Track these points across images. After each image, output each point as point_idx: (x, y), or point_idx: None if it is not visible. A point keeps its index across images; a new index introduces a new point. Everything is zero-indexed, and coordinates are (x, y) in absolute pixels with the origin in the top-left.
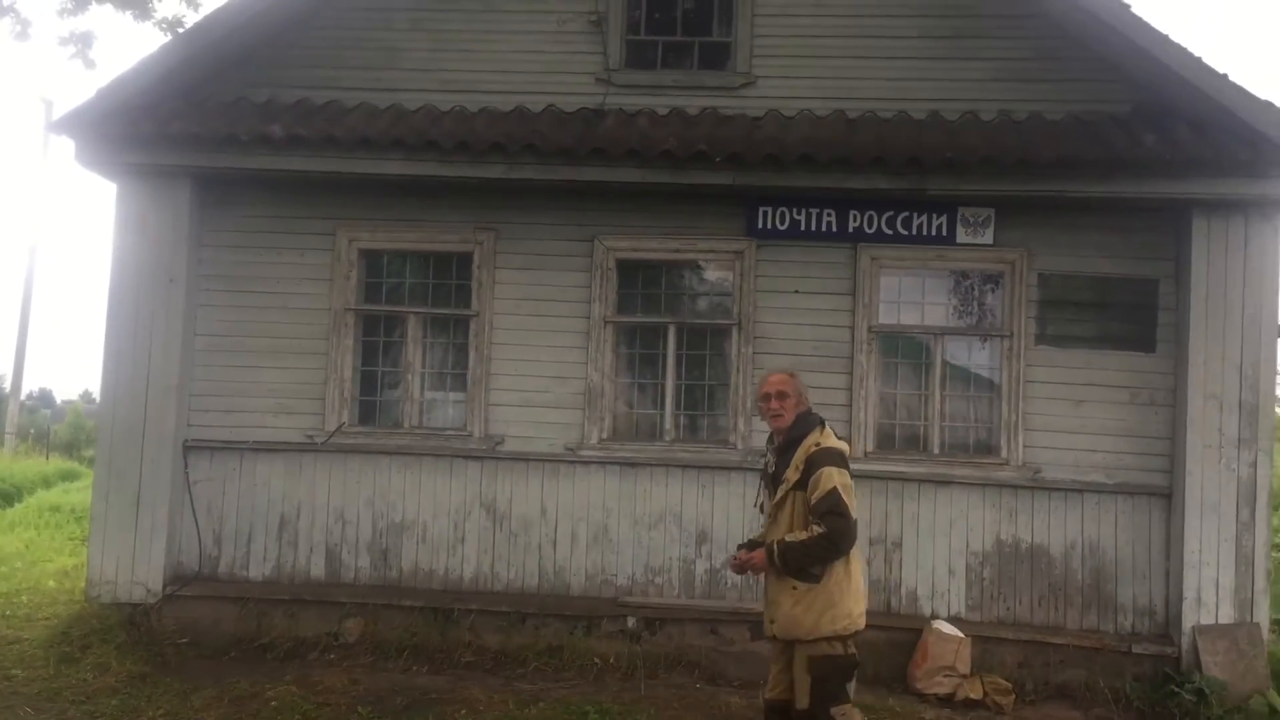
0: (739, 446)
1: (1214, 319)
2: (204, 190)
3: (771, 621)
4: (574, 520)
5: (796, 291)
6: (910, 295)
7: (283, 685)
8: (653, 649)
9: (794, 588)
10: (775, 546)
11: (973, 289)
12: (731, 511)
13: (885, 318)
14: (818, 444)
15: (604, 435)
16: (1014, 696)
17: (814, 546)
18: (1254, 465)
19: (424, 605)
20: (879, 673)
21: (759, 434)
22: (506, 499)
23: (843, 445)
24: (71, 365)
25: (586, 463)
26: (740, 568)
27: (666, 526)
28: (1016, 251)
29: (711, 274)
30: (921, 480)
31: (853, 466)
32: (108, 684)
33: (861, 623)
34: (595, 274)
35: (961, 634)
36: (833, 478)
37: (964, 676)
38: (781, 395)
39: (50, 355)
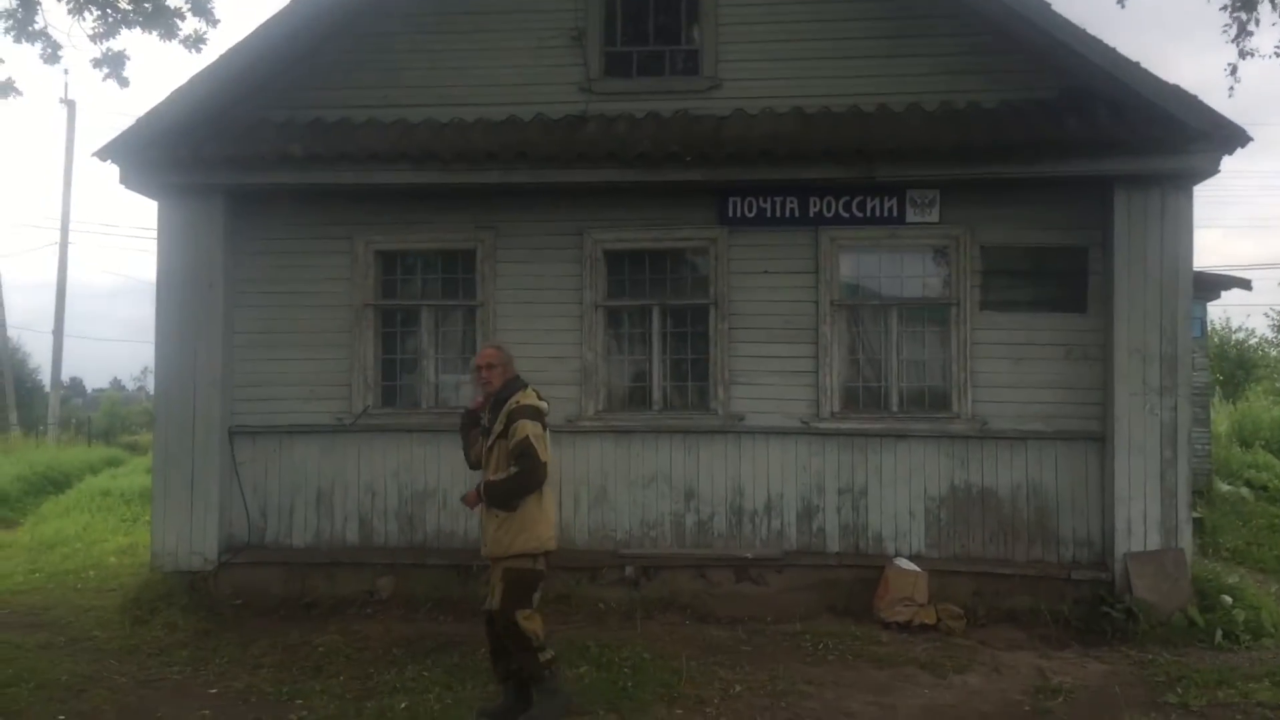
0: (720, 413)
1: (1136, 281)
2: (236, 203)
3: (484, 544)
4: (576, 484)
5: (765, 272)
6: (867, 270)
7: (327, 635)
8: (648, 593)
9: (497, 516)
10: (483, 485)
11: (923, 263)
12: (715, 470)
13: (845, 292)
14: (518, 403)
15: (599, 407)
16: (965, 621)
17: (511, 484)
18: (1174, 409)
19: (447, 564)
20: (848, 606)
21: (738, 400)
22: None
23: (541, 404)
24: (91, 352)
25: (585, 432)
26: (468, 503)
27: (658, 486)
28: (960, 228)
29: (689, 259)
30: (882, 435)
31: (821, 426)
32: (177, 639)
33: (551, 545)
34: (585, 264)
35: (919, 569)
36: (526, 429)
37: (920, 605)
38: (490, 366)
39: (72, 342)
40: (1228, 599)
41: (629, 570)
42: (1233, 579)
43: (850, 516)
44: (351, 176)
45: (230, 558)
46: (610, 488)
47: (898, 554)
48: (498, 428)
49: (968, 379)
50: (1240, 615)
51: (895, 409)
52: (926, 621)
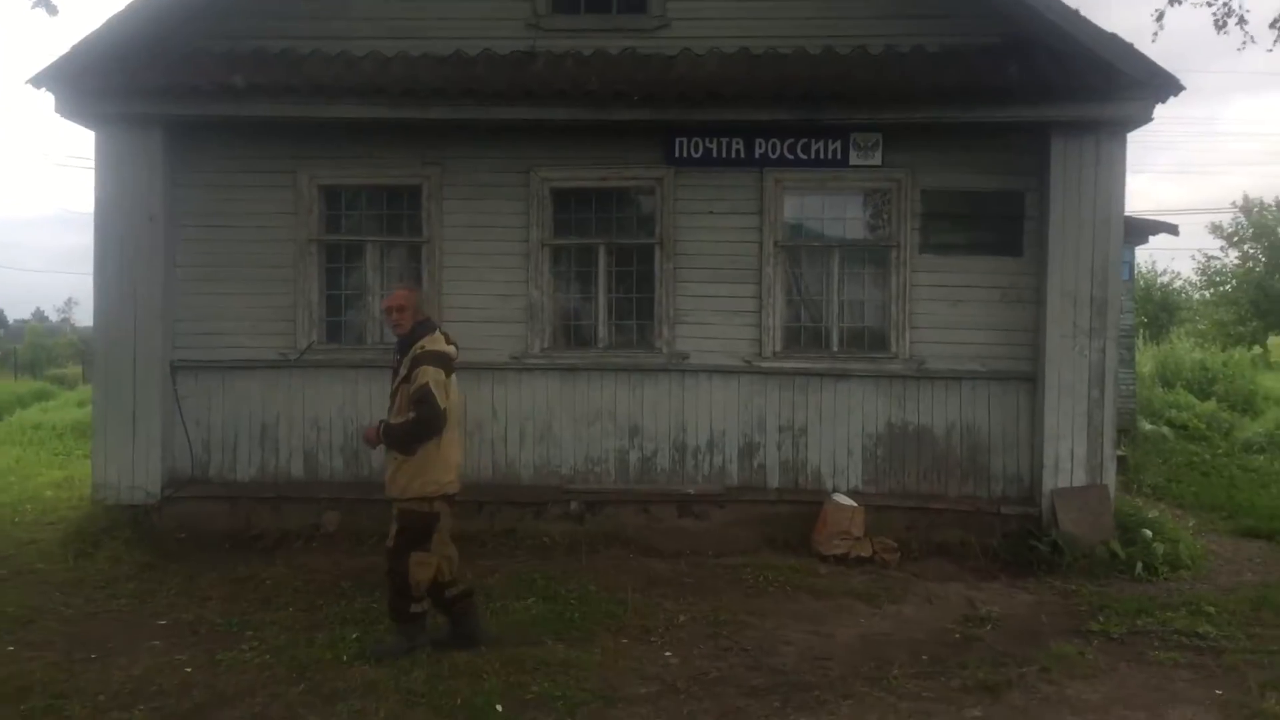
0: (664, 351)
1: (1070, 225)
2: (175, 135)
3: (384, 484)
4: (522, 420)
5: (710, 212)
6: (810, 212)
7: (274, 568)
8: (593, 528)
9: (395, 458)
10: (382, 426)
11: (864, 205)
12: (659, 408)
13: (789, 233)
14: (423, 348)
15: (545, 345)
16: (899, 554)
17: (408, 428)
18: (1103, 351)
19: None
20: (788, 540)
21: (682, 339)
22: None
23: (448, 349)
24: (11, 281)
25: (531, 369)
26: (368, 440)
27: (603, 423)
28: (902, 171)
29: (636, 199)
30: (823, 374)
31: (763, 365)
32: (122, 572)
33: (451, 489)
34: (532, 202)
35: (856, 504)
36: (427, 375)
37: (857, 539)
38: (400, 309)
39: None
40: (1148, 533)
41: (574, 505)
42: (1153, 514)
43: (790, 453)
44: (295, 110)
45: (173, 492)
46: (555, 424)
47: (836, 490)
48: (402, 370)
49: (906, 320)
50: (1159, 548)
51: (836, 349)
52: (863, 554)
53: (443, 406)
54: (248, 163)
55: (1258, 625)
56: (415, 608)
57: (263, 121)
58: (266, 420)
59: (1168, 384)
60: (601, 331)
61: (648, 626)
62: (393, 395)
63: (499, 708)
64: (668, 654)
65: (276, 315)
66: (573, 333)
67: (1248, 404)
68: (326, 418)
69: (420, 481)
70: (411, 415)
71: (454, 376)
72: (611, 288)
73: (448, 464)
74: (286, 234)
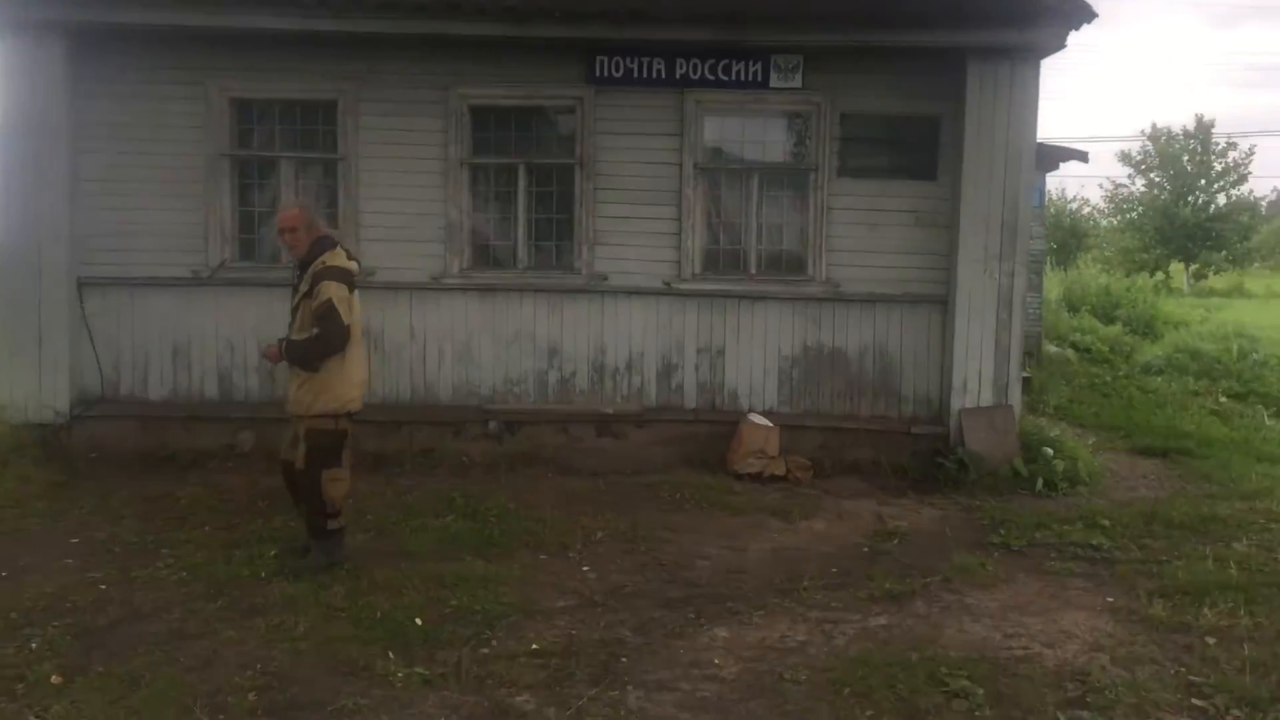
0: (583, 273)
1: (983, 151)
2: (79, 43)
3: (286, 401)
4: (440, 341)
5: (631, 133)
6: (730, 134)
7: (189, 488)
8: (512, 448)
9: (299, 375)
10: (284, 343)
11: (784, 128)
12: (578, 329)
13: (708, 155)
14: (324, 263)
15: (464, 265)
16: (812, 472)
17: (311, 345)
18: (1011, 275)
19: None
20: (704, 459)
21: (602, 260)
22: (380, 324)
23: (350, 265)
24: None
25: (450, 290)
26: (269, 357)
27: (522, 343)
28: (822, 94)
29: (556, 118)
30: (741, 297)
31: (682, 287)
32: (31, 491)
33: (355, 405)
34: (451, 119)
35: (771, 424)
36: (329, 290)
37: (772, 458)
38: (292, 230)
39: None
40: (1049, 451)
41: (493, 425)
42: (1054, 433)
43: (708, 374)
44: (203, 19)
45: (83, 411)
46: (474, 345)
47: (752, 410)
48: (303, 287)
49: (823, 243)
50: (1059, 465)
51: (754, 271)
52: (777, 473)
53: (346, 322)
54: (155, 74)
55: (1148, 537)
56: (332, 524)
57: (171, 30)
58: (178, 339)
59: (1074, 309)
60: (521, 252)
61: (566, 543)
62: (293, 311)
63: (418, 621)
64: (585, 569)
65: (188, 232)
66: (492, 253)
67: (1149, 328)
68: (240, 337)
69: (325, 399)
70: (315, 331)
71: (356, 293)
72: (531, 208)
73: (352, 381)
74: (196, 148)
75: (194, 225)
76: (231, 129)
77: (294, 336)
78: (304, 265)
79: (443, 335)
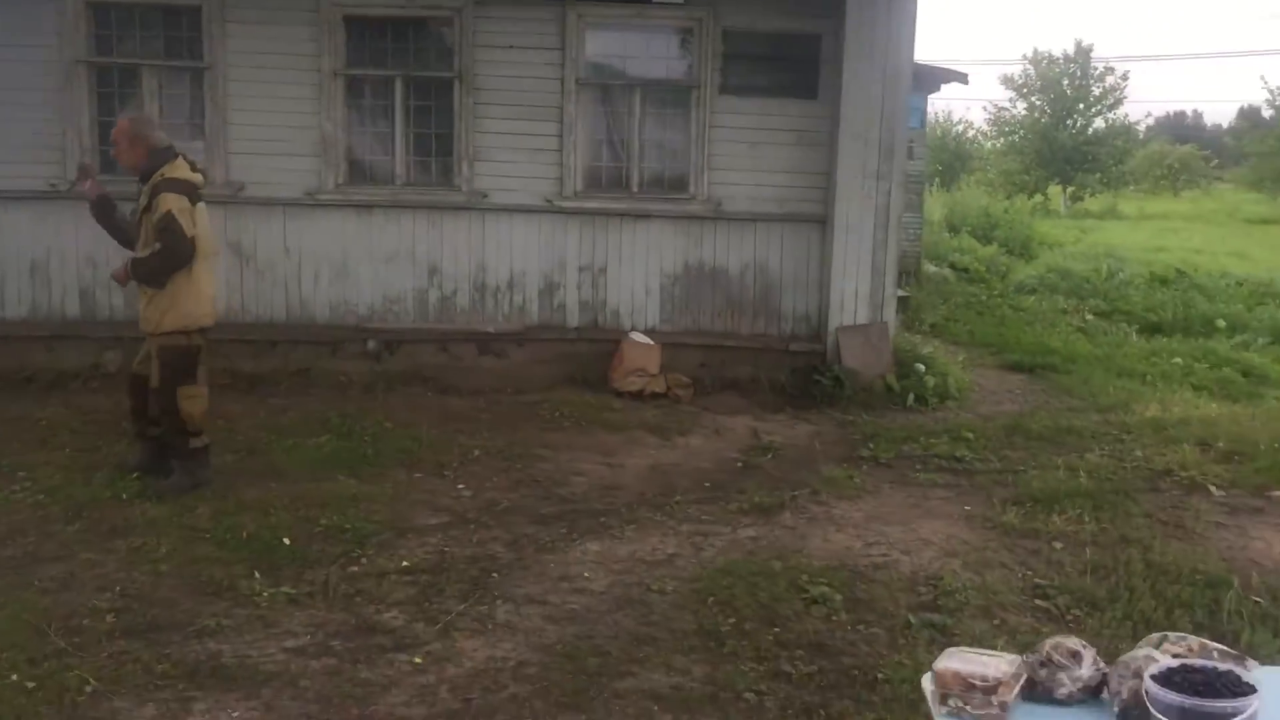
0: (464, 189)
1: (863, 69)
2: None
3: (138, 320)
4: (316, 258)
5: (511, 47)
6: (613, 50)
7: (50, 409)
8: (391, 367)
9: (147, 292)
10: (130, 261)
11: (667, 45)
12: (459, 247)
13: (591, 71)
14: (163, 175)
15: (340, 181)
16: (692, 390)
17: (154, 261)
18: (888, 194)
19: None
20: (586, 377)
21: (482, 177)
22: (252, 241)
23: (193, 176)
24: None
25: (325, 206)
26: (118, 279)
27: (401, 261)
28: (704, 10)
29: (435, 30)
30: (623, 215)
31: (564, 205)
32: None
33: (206, 321)
34: (324, 29)
35: (652, 342)
36: (168, 203)
37: (653, 376)
38: (118, 142)
39: None
40: (921, 367)
41: (371, 344)
42: (927, 350)
43: (590, 293)
44: None
45: None
46: (352, 263)
47: (634, 328)
48: (143, 201)
49: (705, 161)
50: (930, 381)
51: (636, 189)
52: (657, 390)
53: (189, 234)
54: None
55: (1008, 449)
56: (194, 442)
57: None
58: (36, 255)
59: (955, 230)
60: (399, 168)
61: (442, 461)
62: (136, 228)
63: (286, 541)
64: (460, 487)
65: (45, 143)
66: (370, 169)
67: (1025, 249)
68: (103, 254)
69: (174, 315)
70: (157, 246)
71: (202, 205)
72: (410, 123)
73: (201, 296)
74: (52, 54)
75: (52, 136)
76: (88, 35)
77: (139, 254)
78: (146, 177)
79: (319, 253)
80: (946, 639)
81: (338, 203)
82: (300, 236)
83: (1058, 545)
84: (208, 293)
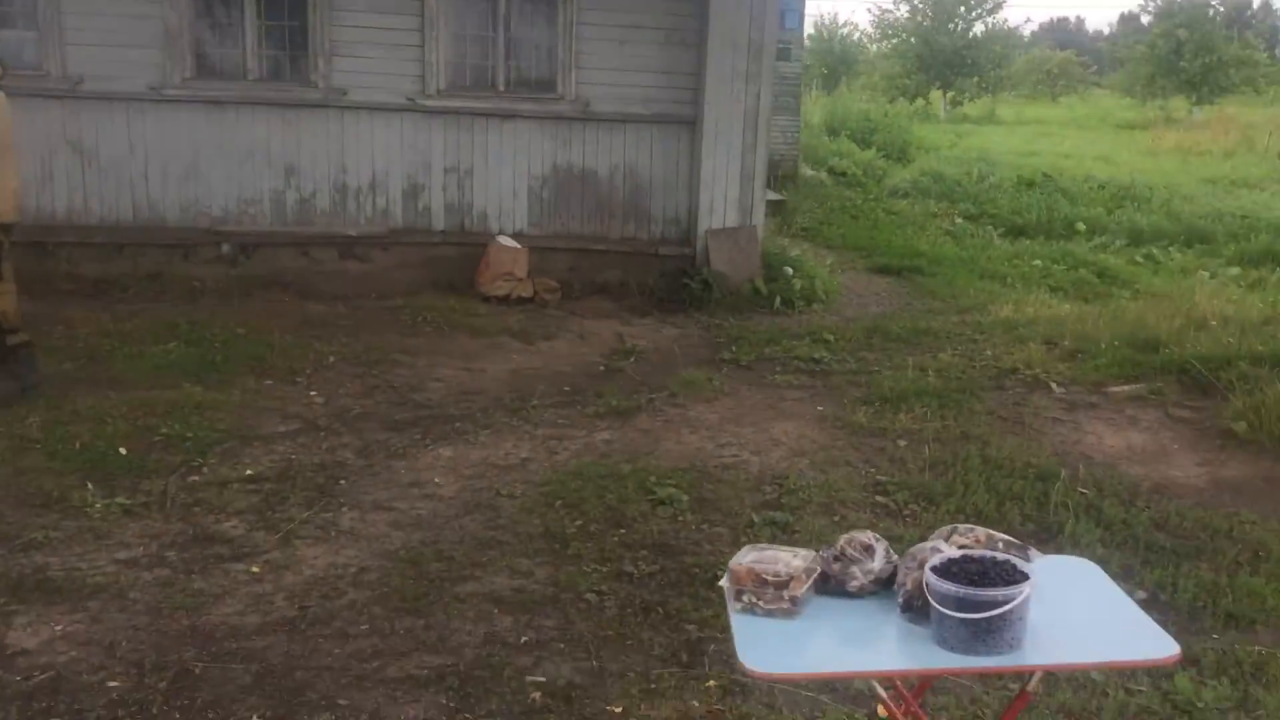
0: (321, 85)
1: None
2: None
3: None
4: (164, 157)
5: None
6: None
7: None
8: (248, 272)
9: None
10: None
11: None
12: (317, 146)
13: None
14: None
15: (187, 75)
16: (560, 294)
17: None
18: (758, 96)
19: (18, 240)
20: (452, 282)
21: (339, 74)
22: (94, 138)
23: None
24: None
25: (172, 101)
26: None
27: (255, 161)
28: None
29: None
30: (489, 115)
31: (427, 104)
32: None
33: (7, 217)
34: None
35: (520, 245)
36: None
37: (520, 280)
38: None
39: None
40: (789, 270)
41: (226, 248)
42: (796, 253)
43: (456, 195)
44: None
45: None
46: (203, 162)
47: (501, 232)
48: None
49: (573, 60)
50: (798, 284)
51: (503, 89)
52: (525, 295)
53: None
54: None
55: (866, 350)
56: (12, 339)
57: None
58: None
59: (834, 133)
60: (251, 62)
61: (295, 368)
62: None
63: (123, 450)
64: (313, 393)
65: None
66: (219, 63)
67: (903, 153)
68: None
69: None
70: None
71: (1, 94)
72: (262, 14)
73: (1, 190)
74: None
75: None
76: None
77: None
78: None
79: (166, 151)
80: (788, 536)
81: (185, 98)
82: (146, 134)
83: (902, 443)
84: (8, 187)
